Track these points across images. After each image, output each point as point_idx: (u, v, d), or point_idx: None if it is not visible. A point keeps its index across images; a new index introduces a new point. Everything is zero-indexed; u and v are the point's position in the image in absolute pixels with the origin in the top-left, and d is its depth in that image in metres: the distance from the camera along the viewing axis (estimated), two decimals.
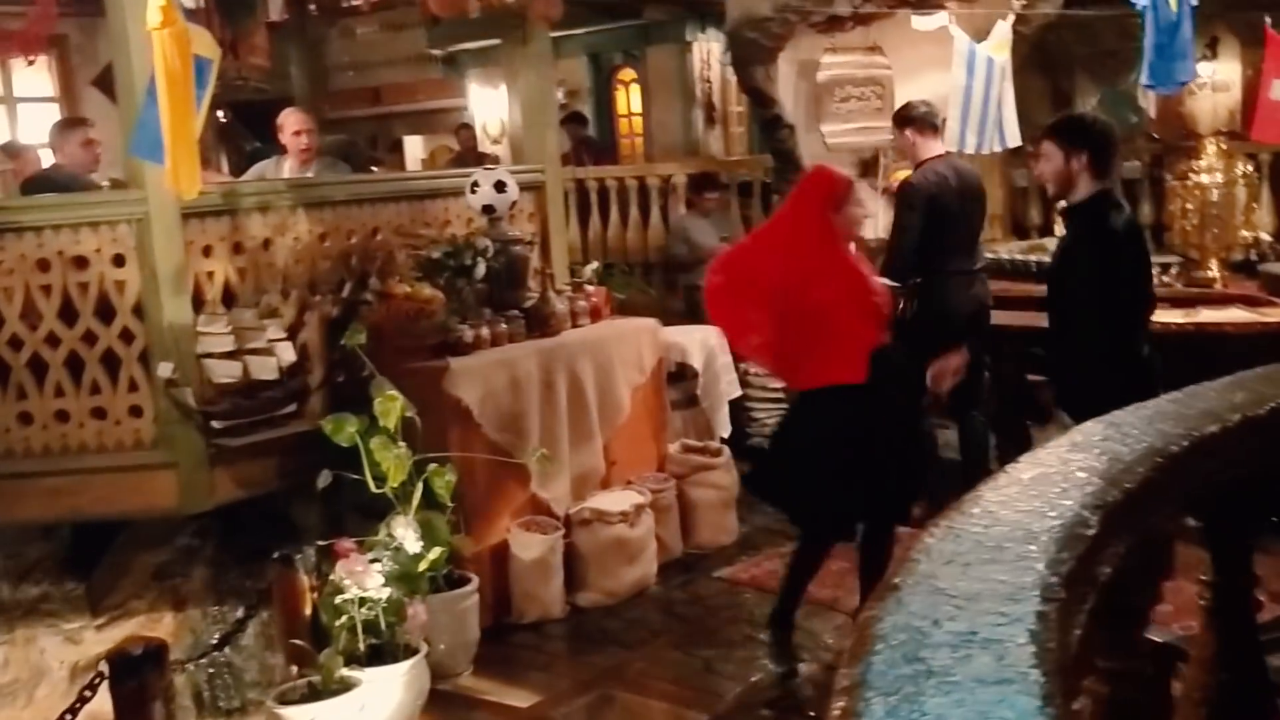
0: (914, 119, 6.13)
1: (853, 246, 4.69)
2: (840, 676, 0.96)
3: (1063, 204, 4.88)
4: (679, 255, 8.32)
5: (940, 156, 6.12)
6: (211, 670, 5.34)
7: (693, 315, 7.66)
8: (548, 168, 6.67)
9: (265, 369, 5.12)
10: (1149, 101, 13.75)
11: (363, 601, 4.28)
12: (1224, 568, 1.75)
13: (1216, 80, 13.07)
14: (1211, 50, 12.04)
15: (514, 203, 5.88)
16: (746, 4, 7.62)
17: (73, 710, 3.60)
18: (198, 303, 5.08)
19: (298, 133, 6.72)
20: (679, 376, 6.71)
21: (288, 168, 6.81)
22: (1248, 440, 1.62)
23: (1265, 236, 7.29)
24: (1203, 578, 1.78)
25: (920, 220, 5.82)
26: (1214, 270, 6.66)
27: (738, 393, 6.91)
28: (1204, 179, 6.62)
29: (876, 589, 1.13)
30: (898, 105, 8.27)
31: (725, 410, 6.80)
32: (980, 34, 7.42)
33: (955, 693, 0.89)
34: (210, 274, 5.15)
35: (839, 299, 4.44)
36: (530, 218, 6.55)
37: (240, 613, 5.05)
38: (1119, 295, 4.40)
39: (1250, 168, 6.93)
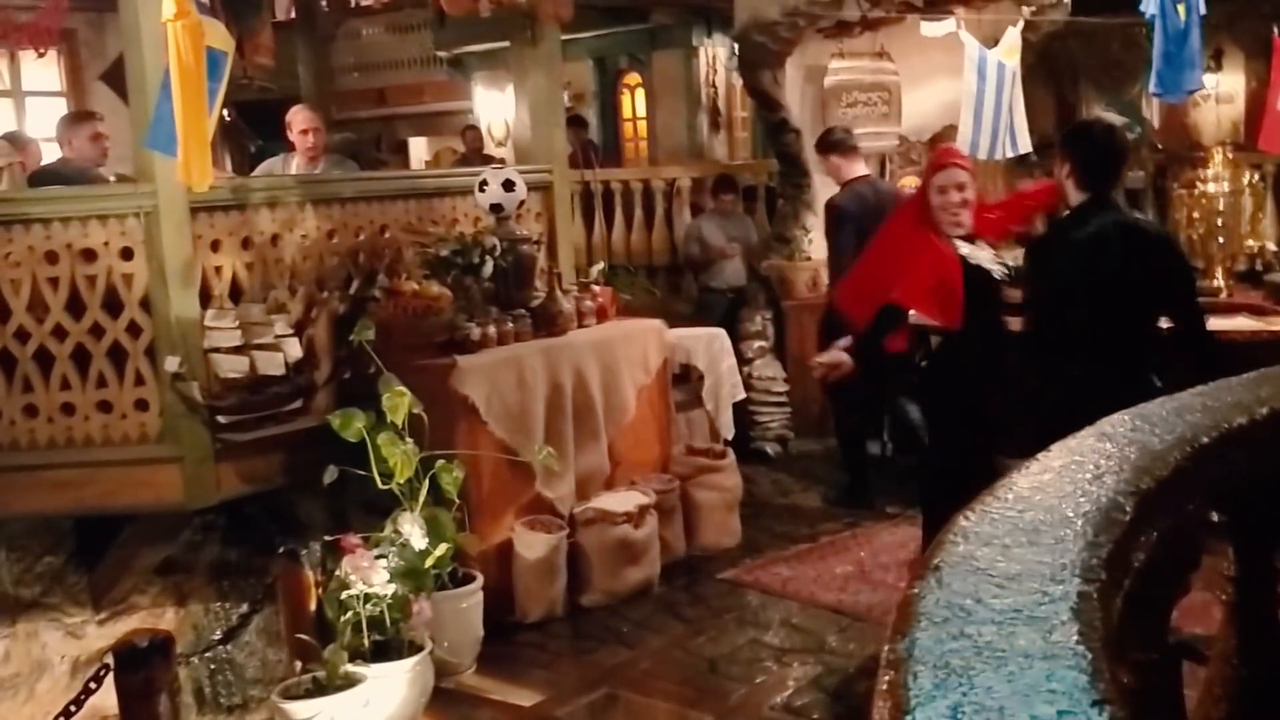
0: (835, 144, 6.73)
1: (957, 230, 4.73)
2: (886, 651, 0.95)
3: None
4: (692, 255, 8.35)
5: (862, 178, 6.70)
6: (213, 666, 5.33)
7: (703, 316, 7.66)
8: (555, 168, 6.68)
9: (272, 364, 5.12)
10: (1153, 112, 13.82)
11: (368, 598, 4.27)
12: (1247, 562, 1.75)
13: (1221, 92, 13.10)
14: (1216, 62, 12.08)
15: (522, 202, 5.88)
16: (755, 7, 7.63)
17: (77, 702, 3.59)
18: (205, 297, 5.09)
19: (305, 131, 6.73)
20: (683, 378, 6.71)
21: (295, 165, 6.82)
22: (1275, 432, 1.62)
23: (1271, 246, 7.29)
24: (1225, 572, 1.78)
25: (851, 237, 6.26)
26: (1220, 279, 6.65)
27: (742, 395, 6.91)
28: (1211, 188, 6.62)
29: (913, 568, 1.12)
30: (905, 111, 8.33)
31: (730, 413, 6.80)
32: (988, 41, 7.43)
33: (1005, 667, 0.88)
34: (218, 269, 5.16)
35: (902, 276, 4.68)
36: (537, 218, 6.56)
37: (244, 608, 5.04)
38: (1074, 304, 4.33)
39: (1256, 177, 6.93)
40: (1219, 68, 12.51)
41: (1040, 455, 1.48)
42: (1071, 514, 1.24)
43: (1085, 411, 1.78)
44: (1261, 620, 1.75)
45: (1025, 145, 7.37)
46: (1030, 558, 1.11)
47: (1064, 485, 1.33)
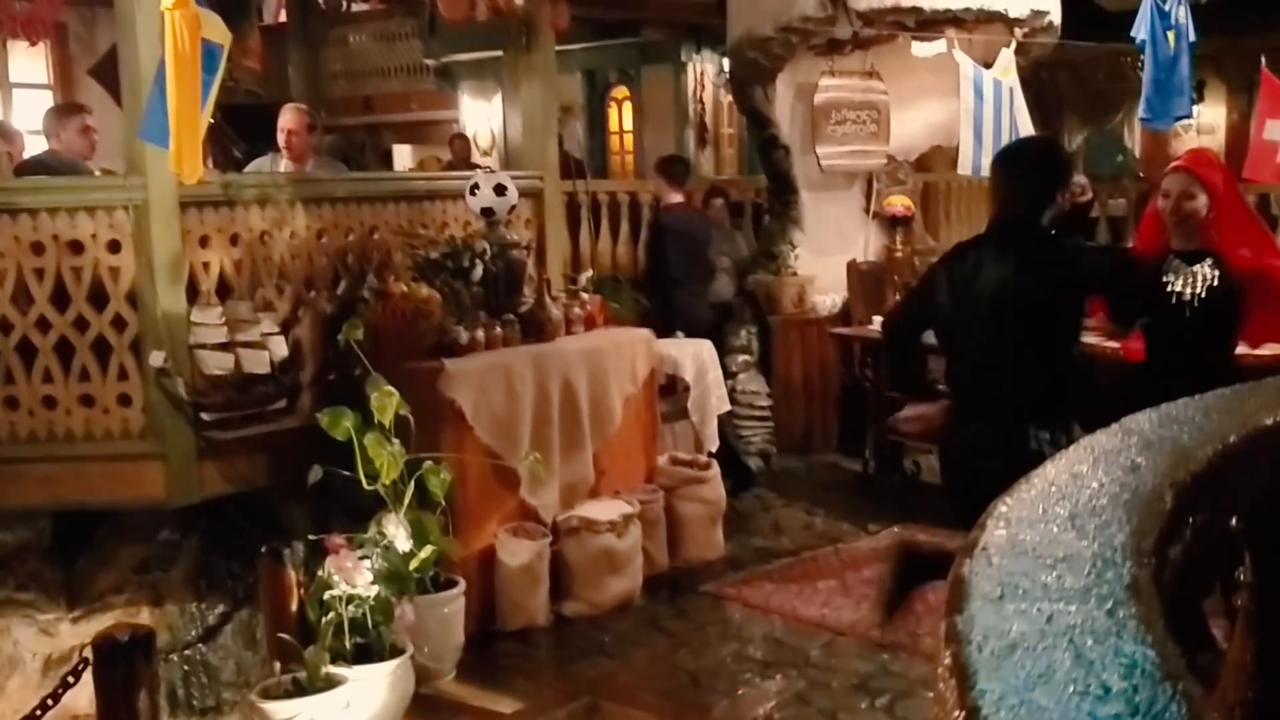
0: (668, 169, 7.99)
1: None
2: (944, 627, 0.93)
3: None
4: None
5: (682, 204, 7.89)
6: (187, 668, 5.25)
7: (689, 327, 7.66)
8: (547, 175, 6.66)
9: (257, 363, 5.08)
10: (1135, 142, 13.99)
11: (350, 599, 4.22)
12: (1265, 569, 1.74)
13: (1202, 123, 13.31)
14: (1199, 94, 12.27)
15: (513, 207, 5.85)
16: (749, 23, 7.65)
17: (55, 696, 3.52)
18: (192, 293, 5.04)
19: (283, 130, 6.70)
20: (669, 389, 6.68)
21: (283, 164, 6.79)
22: None
23: None
24: (1241, 579, 1.77)
25: (675, 253, 7.64)
26: None
27: (727, 408, 6.89)
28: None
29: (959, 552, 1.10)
30: (894, 130, 8.37)
31: (715, 424, 6.78)
32: (979, 64, 7.48)
33: (1071, 641, 0.86)
34: (206, 265, 5.11)
35: None
36: (528, 224, 6.54)
37: (222, 609, 4.98)
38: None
39: None
40: (1201, 99, 12.70)
41: (1071, 448, 1.47)
42: (1110, 502, 1.23)
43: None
44: (1278, 625, 1.74)
45: None
46: (1077, 542, 1.09)
47: (1100, 475, 1.31)
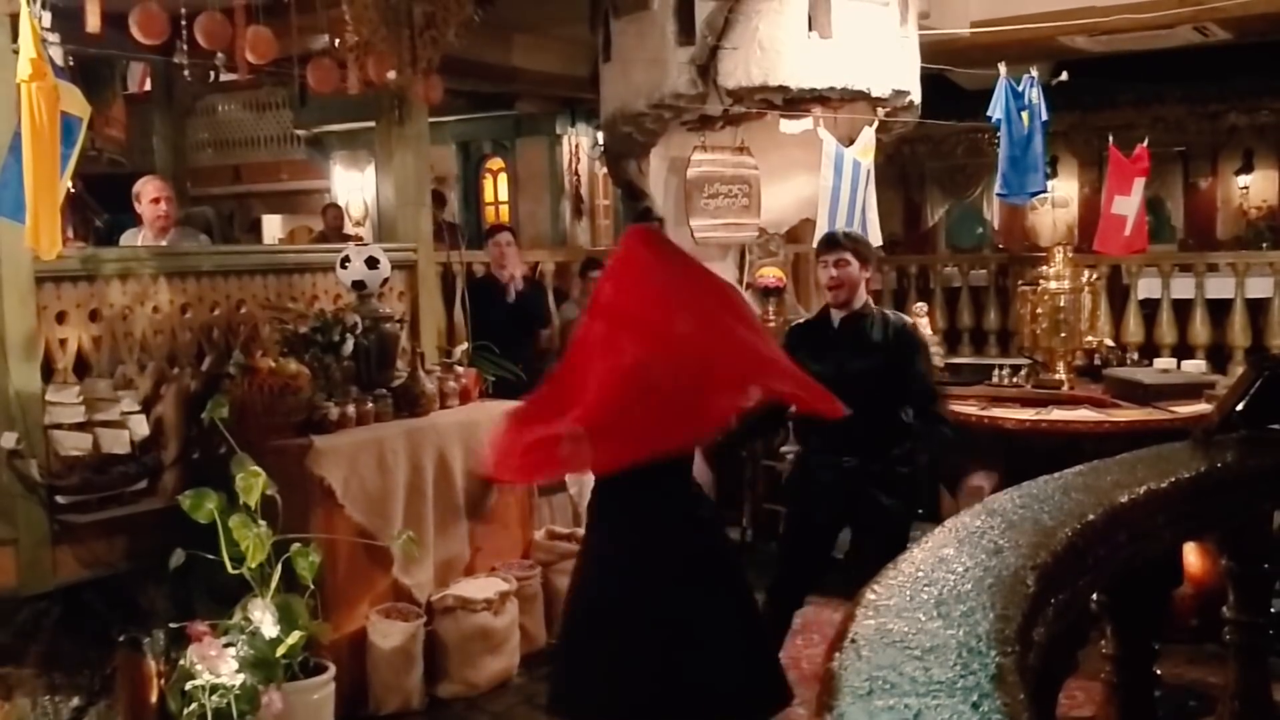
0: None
1: None
2: None
3: None
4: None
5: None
6: None
7: None
8: (420, 247, 6.61)
9: (117, 442, 4.90)
10: (994, 214, 14.52)
11: (214, 688, 4.07)
12: (1128, 642, 1.77)
13: (1057, 197, 13.88)
14: (1052, 169, 12.83)
15: (385, 280, 5.79)
16: (622, 99, 7.74)
17: None
18: (48, 371, 4.86)
19: (155, 199, 6.49)
20: None
21: (142, 237, 6.59)
22: (1152, 512, 1.66)
23: (1109, 342, 7.63)
24: (1105, 651, 1.80)
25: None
26: (1062, 373, 6.92)
27: None
28: (1053, 285, 6.91)
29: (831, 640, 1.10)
30: (764, 204, 8.53)
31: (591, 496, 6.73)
32: (843, 141, 7.68)
33: None
34: (63, 341, 4.95)
35: None
36: (401, 296, 6.47)
37: (77, 702, 4.73)
38: None
39: (1095, 276, 7.29)
40: (1054, 174, 13.27)
41: (936, 530, 1.49)
42: (975, 587, 1.24)
43: None
44: (1141, 697, 1.77)
45: (875, 239, 7.64)
46: (944, 630, 1.10)
47: (965, 559, 1.33)
